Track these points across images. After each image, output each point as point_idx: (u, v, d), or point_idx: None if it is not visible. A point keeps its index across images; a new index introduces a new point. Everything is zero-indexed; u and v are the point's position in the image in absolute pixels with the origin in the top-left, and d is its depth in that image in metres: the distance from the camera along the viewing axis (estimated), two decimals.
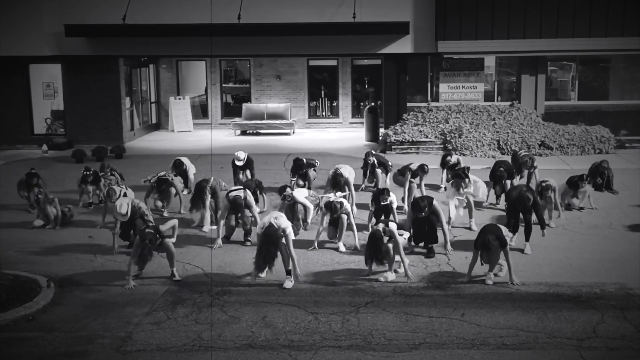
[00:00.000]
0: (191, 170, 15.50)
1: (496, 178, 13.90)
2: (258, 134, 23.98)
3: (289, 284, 9.96)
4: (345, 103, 25.46)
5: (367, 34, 20.33)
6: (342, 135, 23.76)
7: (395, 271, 10.35)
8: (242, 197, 11.78)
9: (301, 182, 14.71)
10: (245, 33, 20.38)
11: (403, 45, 20.84)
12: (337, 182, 13.36)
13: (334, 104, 25.62)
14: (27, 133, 22.22)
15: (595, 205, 13.88)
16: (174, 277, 10.28)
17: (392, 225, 10.29)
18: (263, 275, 10.36)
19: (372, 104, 24.69)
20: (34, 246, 11.98)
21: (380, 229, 10.12)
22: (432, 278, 10.27)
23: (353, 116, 25.47)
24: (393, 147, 19.87)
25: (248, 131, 24.19)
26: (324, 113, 25.71)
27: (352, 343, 8.21)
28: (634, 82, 22.78)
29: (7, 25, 20.96)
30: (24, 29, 21.05)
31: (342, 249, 11.59)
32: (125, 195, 12.37)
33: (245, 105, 25.00)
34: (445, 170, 15.30)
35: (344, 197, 12.39)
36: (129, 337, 8.46)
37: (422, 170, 14.19)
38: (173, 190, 13.90)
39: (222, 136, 23.74)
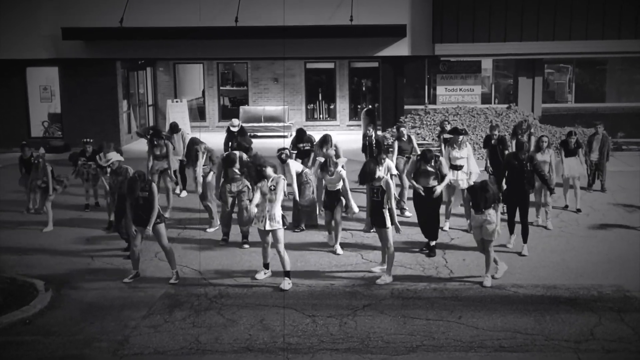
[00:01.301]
0: (188, 137, 15.30)
1: (488, 143, 13.86)
2: (255, 136, 23.91)
3: (286, 285, 9.95)
4: (342, 105, 25.48)
5: (364, 36, 20.36)
6: (339, 137, 23.53)
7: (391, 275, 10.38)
8: (237, 155, 11.93)
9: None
10: (243, 36, 20.39)
11: (400, 48, 20.88)
12: (326, 140, 13.28)
13: (332, 106, 25.64)
14: (24, 136, 22.16)
15: (586, 172, 14.41)
16: (170, 280, 10.26)
17: (386, 179, 10.31)
18: (261, 277, 10.36)
19: (370, 106, 24.73)
20: (31, 249, 11.97)
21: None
22: (430, 280, 10.27)
23: (350, 119, 25.50)
24: (390, 149, 19.85)
25: None
26: (321, 116, 25.73)
27: (349, 346, 8.20)
28: (630, 85, 22.82)
29: (4, 28, 20.99)
30: (21, 32, 21.07)
31: (339, 251, 11.58)
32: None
33: (242, 108, 25.01)
34: (443, 141, 15.18)
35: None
36: (126, 340, 8.44)
37: (400, 123, 14.46)
38: (170, 147, 13.91)
39: (220, 139, 23.60)
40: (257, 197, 9.91)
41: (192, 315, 9.10)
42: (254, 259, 11.14)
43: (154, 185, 10.20)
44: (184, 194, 15.49)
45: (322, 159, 12.10)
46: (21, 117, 22.34)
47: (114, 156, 11.67)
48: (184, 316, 9.09)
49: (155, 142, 14.03)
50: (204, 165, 13.02)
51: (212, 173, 12.92)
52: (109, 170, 11.92)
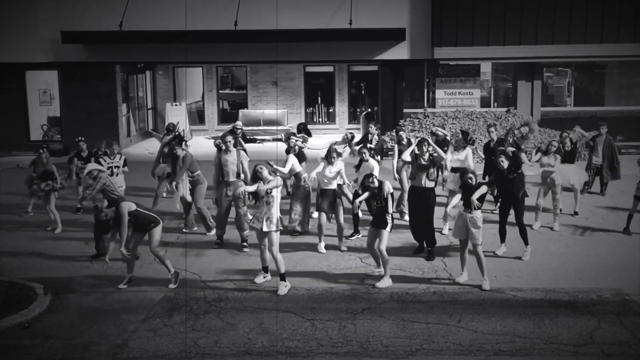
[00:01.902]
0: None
1: (487, 148, 13.95)
2: (255, 140, 23.97)
3: (283, 290, 9.94)
4: (341, 109, 25.50)
5: (363, 40, 20.38)
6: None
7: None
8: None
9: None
10: (242, 39, 20.41)
11: (399, 52, 20.89)
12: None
13: (331, 110, 25.65)
14: (23, 139, 22.20)
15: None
16: (169, 285, 10.23)
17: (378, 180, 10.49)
18: (260, 281, 10.36)
19: (369, 110, 24.75)
20: (29, 253, 11.95)
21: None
22: (429, 284, 10.27)
23: (350, 122, 25.51)
24: (390, 153, 19.87)
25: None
26: (320, 119, 25.74)
27: (348, 350, 8.19)
28: (629, 88, 22.87)
29: (3, 31, 20.98)
30: (20, 35, 21.08)
31: (344, 248, 11.76)
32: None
33: (241, 112, 25.03)
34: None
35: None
36: (125, 344, 8.43)
37: (400, 127, 14.51)
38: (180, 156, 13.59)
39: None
40: (252, 187, 10.01)
41: (191, 319, 9.09)
42: (253, 262, 11.13)
43: (123, 207, 10.00)
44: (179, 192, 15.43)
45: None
46: (20, 121, 22.35)
47: (91, 166, 11.56)
48: (183, 320, 9.08)
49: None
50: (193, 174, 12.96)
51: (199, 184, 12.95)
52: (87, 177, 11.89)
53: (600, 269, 10.84)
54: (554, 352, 8.07)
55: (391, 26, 20.29)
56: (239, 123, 15.75)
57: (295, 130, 15.13)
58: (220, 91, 26.07)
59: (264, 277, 10.42)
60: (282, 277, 9.99)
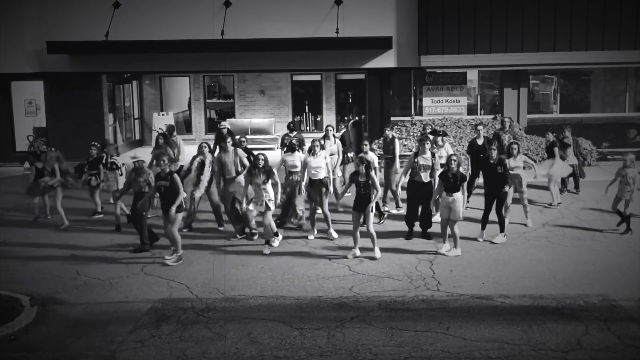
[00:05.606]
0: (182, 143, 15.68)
1: (474, 145, 14.83)
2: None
3: (266, 250, 11.73)
4: (329, 117, 25.52)
5: (350, 48, 20.43)
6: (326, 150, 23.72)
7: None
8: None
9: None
10: (229, 49, 20.41)
11: (386, 60, 20.96)
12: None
13: (318, 118, 25.68)
14: (8, 150, 22.06)
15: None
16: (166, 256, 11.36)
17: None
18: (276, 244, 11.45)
19: (356, 118, 24.78)
20: (15, 264, 11.87)
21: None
22: (418, 292, 10.28)
23: (337, 130, 25.49)
24: (377, 161, 19.88)
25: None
26: (308, 128, 25.75)
27: (337, 358, 8.17)
28: (614, 95, 23.03)
29: None
30: (6, 45, 20.98)
31: (335, 235, 12.53)
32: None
33: (229, 121, 24.97)
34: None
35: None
36: (112, 356, 8.37)
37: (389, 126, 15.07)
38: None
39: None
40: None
41: (179, 330, 9.05)
42: (241, 272, 11.13)
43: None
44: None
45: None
46: (6, 132, 22.19)
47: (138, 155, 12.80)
48: (171, 330, 9.03)
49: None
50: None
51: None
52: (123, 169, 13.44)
53: (588, 275, 10.89)
54: (542, 359, 8.09)
55: (378, 35, 20.37)
56: (223, 123, 16.48)
57: (287, 130, 15.59)
58: (208, 100, 26.03)
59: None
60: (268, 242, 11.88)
